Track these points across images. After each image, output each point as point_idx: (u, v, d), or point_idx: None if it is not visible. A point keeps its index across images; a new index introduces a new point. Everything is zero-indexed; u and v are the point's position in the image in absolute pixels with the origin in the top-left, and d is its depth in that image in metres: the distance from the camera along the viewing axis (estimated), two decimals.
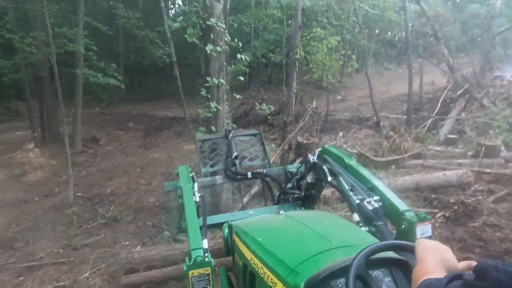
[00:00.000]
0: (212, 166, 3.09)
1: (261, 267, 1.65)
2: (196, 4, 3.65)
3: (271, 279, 1.53)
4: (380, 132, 11.00)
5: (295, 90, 5.70)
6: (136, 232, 5.76)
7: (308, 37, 7.39)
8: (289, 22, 16.28)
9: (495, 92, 13.71)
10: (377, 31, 21.02)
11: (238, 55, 4.70)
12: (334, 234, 1.76)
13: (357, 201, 2.09)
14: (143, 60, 18.76)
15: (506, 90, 14.02)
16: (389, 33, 21.09)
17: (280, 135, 11.05)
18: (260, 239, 1.85)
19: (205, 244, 1.85)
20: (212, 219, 2.71)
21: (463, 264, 0.98)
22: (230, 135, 3.19)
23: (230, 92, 4.95)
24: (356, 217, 2.07)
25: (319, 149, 2.68)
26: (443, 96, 11.70)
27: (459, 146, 7.89)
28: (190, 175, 2.61)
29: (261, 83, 13.97)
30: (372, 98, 11.91)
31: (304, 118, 6.07)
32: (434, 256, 0.97)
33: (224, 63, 3.90)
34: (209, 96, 3.97)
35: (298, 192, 2.89)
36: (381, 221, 1.95)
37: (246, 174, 3.02)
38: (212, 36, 3.73)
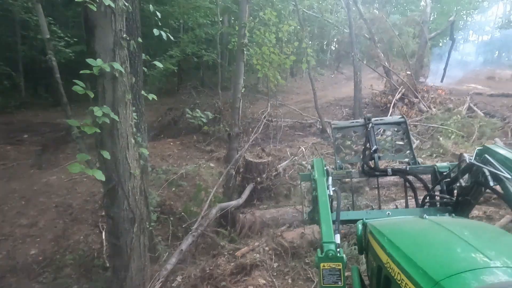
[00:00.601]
0: (348, 158, 2.88)
1: (398, 273, 1.53)
2: None
3: (409, 287, 1.41)
4: (327, 139, 10.05)
5: (242, 91, 4.15)
6: None
7: (252, 23, 5.95)
8: (221, 19, 14.95)
9: (428, 97, 13.94)
10: (315, 31, 20.66)
11: (156, 63, 2.94)
12: (494, 249, 1.48)
13: None
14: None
15: (437, 95, 14.38)
16: (324, 41, 20.79)
17: (218, 146, 9.44)
18: (398, 242, 1.72)
19: (337, 239, 1.81)
20: (345, 215, 2.52)
21: None
22: (370, 124, 2.81)
23: (147, 91, 3.17)
24: None
25: (479, 147, 2.26)
26: (395, 99, 11.05)
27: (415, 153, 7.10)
28: (325, 168, 2.49)
29: (193, 86, 12.21)
30: (316, 102, 10.97)
31: (257, 129, 4.54)
32: None
33: (124, 35, 2.15)
34: (97, 96, 2.17)
35: (448, 196, 2.51)
36: None
37: (386, 170, 2.74)
38: None
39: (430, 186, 2.66)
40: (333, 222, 1.97)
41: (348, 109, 15.10)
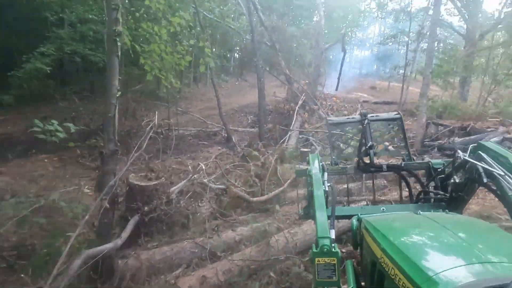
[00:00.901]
0: (343, 154, 2.84)
1: (392, 268, 1.56)
2: None
3: (403, 282, 1.44)
4: (234, 149, 9.51)
5: (118, 94, 3.09)
6: None
7: (137, 14, 4.96)
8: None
9: (326, 105, 14.71)
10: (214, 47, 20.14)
11: None
12: (486, 245, 1.55)
13: None
14: None
15: (334, 103, 15.31)
16: (227, 48, 20.51)
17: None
18: (392, 237, 1.76)
19: (332, 234, 1.80)
20: (340, 211, 2.56)
21: None
22: (366, 120, 2.75)
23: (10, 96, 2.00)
24: None
25: (473, 144, 2.24)
26: (299, 106, 11.10)
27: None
28: (321, 164, 2.50)
29: (75, 91, 10.35)
30: (220, 110, 10.36)
31: (142, 141, 3.56)
32: None
33: None
34: None
35: (442, 192, 2.48)
36: None
37: (381, 166, 2.74)
38: None
39: (425, 183, 2.69)
40: (328, 217, 1.94)
41: (253, 116, 14.96)
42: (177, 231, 3.61)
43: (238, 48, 20.64)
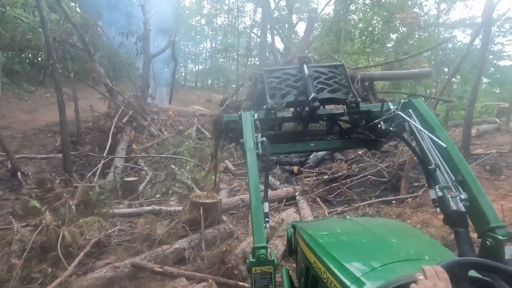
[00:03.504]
0: (283, 96, 2.51)
1: (324, 272, 1.62)
2: None
3: (334, 285, 1.50)
4: (19, 188, 6.56)
5: None
6: None
7: None
8: None
9: (159, 119, 12.96)
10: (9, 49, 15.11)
11: None
12: (406, 245, 1.74)
13: (440, 193, 1.79)
14: None
15: (167, 117, 13.68)
16: (29, 50, 15.99)
17: None
18: (323, 242, 1.83)
19: (266, 208, 1.82)
20: (273, 148, 2.44)
21: None
22: (306, 68, 2.55)
23: None
24: (432, 194, 1.83)
25: (404, 100, 2.28)
26: (113, 125, 8.82)
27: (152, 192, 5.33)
28: (253, 119, 2.27)
29: None
30: None
31: None
32: None
33: None
34: None
35: (367, 133, 2.53)
36: (464, 228, 1.71)
37: (322, 115, 2.58)
38: None
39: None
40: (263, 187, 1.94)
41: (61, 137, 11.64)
42: None
43: (40, 51, 16.27)
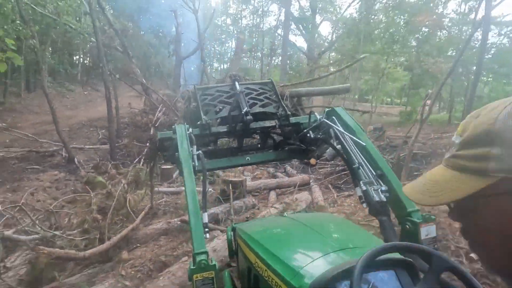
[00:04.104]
0: (216, 112, 2.54)
1: (265, 270, 1.65)
2: None
3: (276, 281, 1.53)
4: (76, 172, 7.77)
5: None
6: None
7: None
8: None
9: None
10: (52, 50, 16.79)
11: None
12: (338, 236, 1.86)
13: (364, 187, 1.92)
14: None
15: None
16: (75, 52, 17.61)
17: None
18: (263, 241, 1.85)
19: (205, 218, 1.82)
20: (208, 164, 2.41)
21: None
22: (238, 85, 2.65)
23: None
24: (358, 191, 1.96)
25: (328, 109, 2.48)
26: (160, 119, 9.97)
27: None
28: (188, 132, 2.28)
29: None
30: (56, 124, 8.40)
31: None
32: None
33: None
34: None
35: (298, 143, 2.67)
36: (386, 216, 1.86)
37: (255, 129, 2.65)
38: None
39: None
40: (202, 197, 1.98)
41: (104, 130, 12.99)
42: None
43: (83, 52, 17.88)
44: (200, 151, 2.14)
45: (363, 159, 2.04)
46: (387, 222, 1.83)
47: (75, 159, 8.28)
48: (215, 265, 1.61)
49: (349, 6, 18.63)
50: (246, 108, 2.50)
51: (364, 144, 2.11)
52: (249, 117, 2.48)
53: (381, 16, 16.62)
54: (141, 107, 13.45)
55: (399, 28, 14.84)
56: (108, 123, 8.49)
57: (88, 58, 21.15)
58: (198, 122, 2.46)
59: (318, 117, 2.43)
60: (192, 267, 1.59)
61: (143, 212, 4.21)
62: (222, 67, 42.23)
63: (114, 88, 12.76)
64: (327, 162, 8.39)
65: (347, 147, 2.13)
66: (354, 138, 2.13)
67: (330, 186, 6.57)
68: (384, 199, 1.84)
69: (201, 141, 2.48)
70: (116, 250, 3.53)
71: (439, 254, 1.12)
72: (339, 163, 7.63)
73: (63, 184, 6.79)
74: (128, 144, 10.68)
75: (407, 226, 1.83)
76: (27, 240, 3.32)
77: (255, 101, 2.65)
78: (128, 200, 4.17)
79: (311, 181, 6.72)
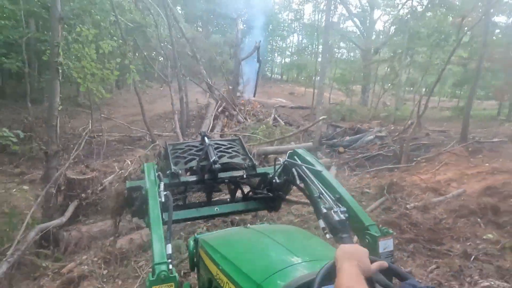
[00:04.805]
0: (186, 163, 2.66)
1: (226, 282, 1.65)
2: None
3: None
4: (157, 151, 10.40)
5: (59, 108, 3.93)
6: None
7: (69, 38, 5.67)
8: (27, 21, 13.02)
9: (245, 110, 16.28)
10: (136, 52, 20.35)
11: None
12: (300, 248, 1.81)
13: (324, 210, 2.01)
14: None
15: (250, 108, 16.95)
16: (153, 53, 20.91)
17: (30, 167, 8.31)
18: (226, 253, 1.84)
19: (169, 249, 1.73)
20: (176, 215, 2.50)
21: (375, 265, 1.12)
22: (207, 140, 2.80)
23: None
24: (322, 223, 2.01)
25: (290, 151, 2.60)
26: (214, 113, 12.32)
27: None
28: (156, 174, 2.33)
29: None
30: (144, 116, 11.11)
31: (79, 145, 4.42)
32: (351, 263, 1.05)
33: None
34: None
35: (266, 192, 2.75)
36: (347, 234, 1.91)
37: (223, 178, 2.74)
38: None
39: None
40: (165, 223, 1.92)
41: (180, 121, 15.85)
42: (109, 212, 4.51)
43: (161, 54, 21.22)
44: (168, 192, 2.17)
45: (323, 188, 2.16)
46: (348, 239, 1.88)
47: (157, 141, 10.94)
48: (175, 276, 1.60)
49: (402, 6, 18.98)
50: (214, 157, 2.61)
51: (321, 170, 2.26)
52: (217, 165, 2.58)
53: (430, 14, 16.93)
54: (205, 102, 16.05)
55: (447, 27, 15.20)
56: (181, 115, 10.98)
57: (161, 59, 24.61)
58: (168, 172, 2.53)
59: (282, 160, 2.56)
60: (151, 279, 1.57)
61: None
62: (284, 61, 43.78)
63: (185, 87, 15.50)
64: (355, 151, 9.92)
65: (309, 182, 2.25)
66: (310, 166, 2.30)
67: (345, 167, 8.22)
68: (344, 218, 1.92)
69: (171, 192, 2.39)
70: None
71: (408, 276, 1.17)
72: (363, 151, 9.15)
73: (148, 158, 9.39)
74: (194, 132, 13.23)
75: (367, 239, 1.90)
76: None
77: (223, 153, 2.77)
78: None
79: (333, 163, 8.40)
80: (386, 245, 1.85)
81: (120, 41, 9.02)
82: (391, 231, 1.90)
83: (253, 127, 11.77)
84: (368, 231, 1.90)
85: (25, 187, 5.49)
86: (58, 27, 3.62)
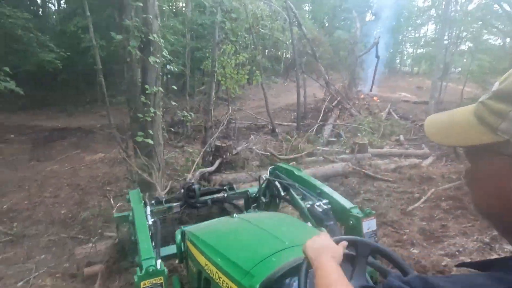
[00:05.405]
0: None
1: (216, 272, 1.67)
2: (137, 19, 4.01)
3: (226, 283, 1.57)
4: (276, 137, 12.52)
5: (214, 99, 6.43)
6: (50, 246, 5.50)
7: (218, 52, 8.30)
8: (188, 35, 17.03)
9: (359, 104, 17.05)
10: (266, 50, 23.34)
11: (168, 66, 5.22)
12: (286, 234, 1.83)
13: (308, 206, 2.19)
14: (22, 64, 16.38)
15: (366, 102, 17.57)
16: (278, 52, 23.52)
17: (187, 142, 11.54)
18: (214, 243, 1.87)
19: (158, 266, 1.77)
20: (166, 250, 2.53)
21: (341, 249, 1.09)
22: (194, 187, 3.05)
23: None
24: (309, 225, 2.13)
25: (271, 167, 2.82)
26: (324, 106, 13.85)
27: (338, 145, 9.84)
28: (142, 200, 2.55)
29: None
30: (267, 108, 13.38)
31: (223, 124, 6.89)
32: (326, 255, 0.98)
33: (160, 73, 4.35)
34: (149, 102, 4.34)
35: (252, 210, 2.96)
36: (331, 221, 2.07)
37: (206, 202, 2.93)
38: (151, 49, 4.15)
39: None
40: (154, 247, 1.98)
41: (296, 113, 17.82)
42: (238, 169, 6.76)
43: (285, 53, 23.67)
44: (156, 218, 2.23)
45: (305, 189, 2.29)
46: (333, 225, 1.95)
47: (277, 130, 13.12)
48: (164, 270, 1.64)
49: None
50: (192, 180, 2.85)
51: (302, 176, 2.38)
52: (197, 185, 2.76)
53: None
54: (322, 97, 17.50)
55: None
56: (297, 108, 12.87)
57: (286, 56, 26.99)
58: (153, 201, 2.64)
59: (264, 177, 2.64)
60: (139, 274, 1.59)
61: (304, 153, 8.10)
62: (415, 52, 40.74)
63: (304, 81, 17.29)
64: None
65: (291, 190, 2.35)
66: (289, 168, 2.43)
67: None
68: (326, 207, 2.02)
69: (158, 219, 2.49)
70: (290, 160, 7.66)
71: (362, 240, 1.20)
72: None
73: (269, 141, 11.59)
74: (310, 123, 14.94)
75: (350, 221, 1.96)
76: (259, 152, 7.81)
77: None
78: (299, 146, 8.23)
79: (432, 155, 8.89)
80: (369, 225, 1.91)
81: (252, 46, 11.36)
82: (373, 211, 1.98)
83: (362, 120, 12.74)
84: (351, 213, 2.00)
85: (190, 150, 8.27)
86: (215, 49, 5.88)
